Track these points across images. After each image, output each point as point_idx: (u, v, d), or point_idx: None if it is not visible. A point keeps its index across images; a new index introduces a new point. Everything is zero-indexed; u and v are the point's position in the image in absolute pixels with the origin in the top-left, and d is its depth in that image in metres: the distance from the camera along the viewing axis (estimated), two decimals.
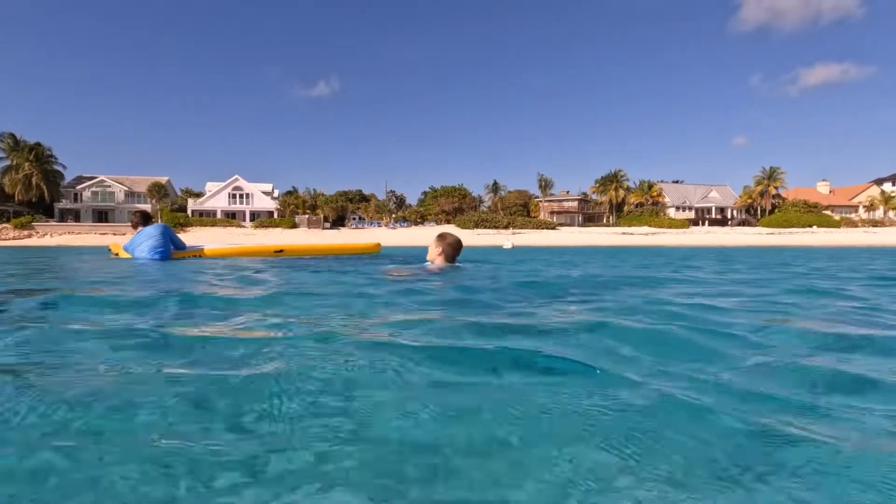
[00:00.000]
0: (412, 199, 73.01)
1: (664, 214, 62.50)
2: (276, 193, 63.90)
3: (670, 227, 54.53)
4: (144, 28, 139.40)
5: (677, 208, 64.94)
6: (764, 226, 56.25)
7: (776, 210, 61.64)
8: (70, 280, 3.83)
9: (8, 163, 51.00)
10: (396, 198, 70.74)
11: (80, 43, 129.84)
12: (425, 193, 71.68)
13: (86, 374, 1.09)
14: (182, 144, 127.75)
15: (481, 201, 69.34)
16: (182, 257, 6.10)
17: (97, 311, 2.01)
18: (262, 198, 59.36)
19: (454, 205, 62.27)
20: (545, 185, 71.38)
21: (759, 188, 62.32)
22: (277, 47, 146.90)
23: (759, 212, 63.00)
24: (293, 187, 69.97)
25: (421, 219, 61.74)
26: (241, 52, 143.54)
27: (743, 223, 61.22)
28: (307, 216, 56.01)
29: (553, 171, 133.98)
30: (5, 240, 41.80)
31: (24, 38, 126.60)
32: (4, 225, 45.64)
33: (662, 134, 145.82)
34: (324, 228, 53.12)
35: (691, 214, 64.78)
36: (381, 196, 69.89)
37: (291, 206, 60.04)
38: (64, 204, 54.73)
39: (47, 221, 48.69)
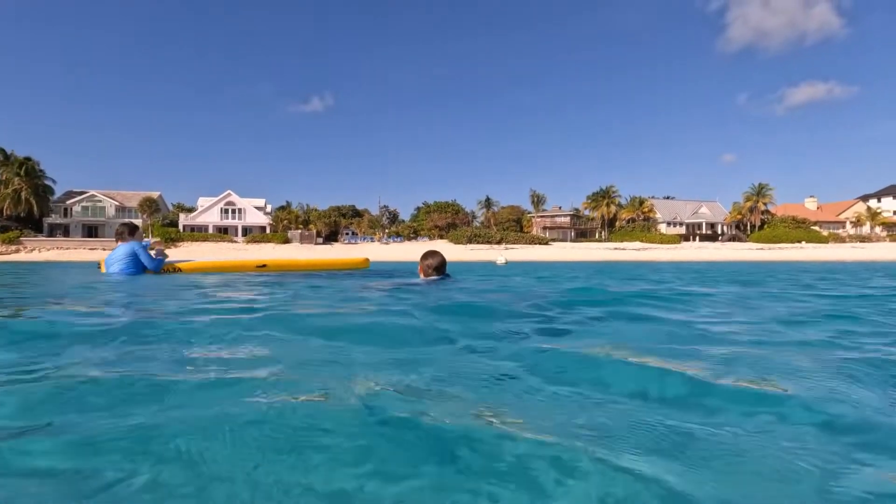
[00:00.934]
0: (405, 215, 73.19)
1: (655, 230, 63.04)
2: (268, 209, 63.75)
3: (662, 243, 54.98)
4: (136, 42, 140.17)
5: (668, 224, 65.57)
6: (754, 241, 56.90)
7: (765, 226, 62.44)
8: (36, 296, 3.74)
9: None
10: (390, 213, 70.84)
11: (71, 55, 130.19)
12: (418, 209, 71.89)
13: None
14: (174, 159, 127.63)
15: (474, 217, 69.62)
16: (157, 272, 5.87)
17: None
18: (254, 213, 59.17)
19: (447, 220, 62.44)
20: (538, 201, 71.89)
21: (749, 204, 63.20)
22: (271, 63, 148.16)
23: (748, 227, 63.77)
24: (286, 202, 69.91)
25: (414, 234, 61.77)
26: (234, 67, 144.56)
27: (733, 239, 61.87)
28: (300, 231, 55.84)
29: (545, 187, 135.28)
30: None
31: (15, 48, 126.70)
32: None
33: (653, 151, 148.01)
34: (316, 244, 52.93)
35: (682, 230, 65.40)
36: (375, 211, 70.01)
37: (284, 222, 59.86)
38: (53, 219, 54.17)
39: (35, 236, 48.11)
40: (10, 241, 44.83)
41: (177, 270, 6.01)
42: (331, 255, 31.39)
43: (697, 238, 63.58)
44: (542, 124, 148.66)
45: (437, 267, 4.65)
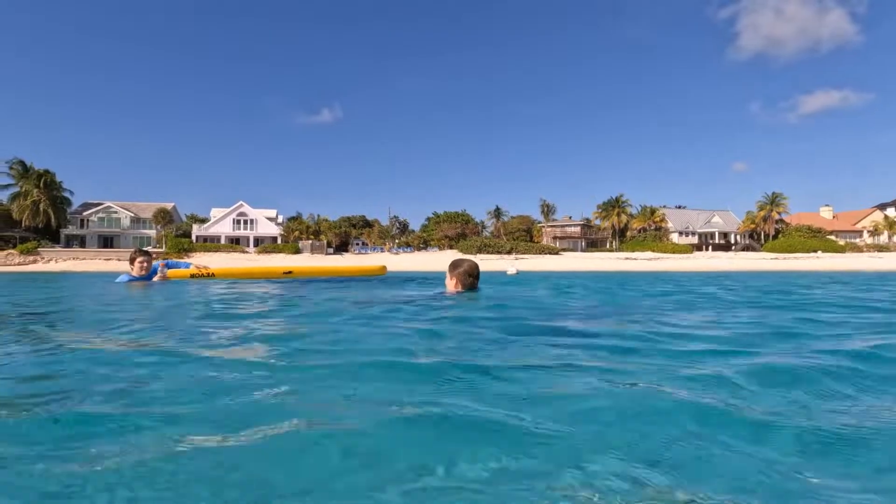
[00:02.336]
0: (415, 225, 73.41)
1: (667, 240, 62.48)
2: (280, 219, 64.37)
3: (674, 253, 54.42)
4: (150, 54, 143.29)
5: (680, 233, 64.97)
6: (768, 251, 56.08)
7: (780, 235, 61.58)
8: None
9: (17, 189, 51.73)
10: (399, 223, 71.12)
11: (88, 69, 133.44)
12: (428, 219, 72.10)
13: None
14: (188, 171, 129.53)
15: (484, 227, 69.61)
16: (190, 277, 6.27)
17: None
18: (266, 223, 59.76)
19: (457, 230, 62.50)
20: (547, 211, 71.78)
21: (762, 213, 62.44)
22: (280, 74, 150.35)
23: (762, 237, 62.96)
24: (297, 213, 70.55)
25: (424, 244, 61.89)
26: (244, 78, 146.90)
27: (747, 248, 61.09)
28: (310, 242, 56.22)
29: (555, 197, 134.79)
30: (10, 265, 42.01)
31: (34, 61, 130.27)
32: (10, 251, 45.99)
33: (663, 160, 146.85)
34: (327, 254, 53.22)
35: (694, 240, 64.75)
36: (385, 222, 70.32)
37: (295, 232, 60.37)
38: (70, 230, 55.17)
39: (53, 247, 49.00)
40: (29, 252, 45.72)
41: (211, 275, 6.53)
42: (345, 265, 31.55)
43: (710, 248, 62.88)
44: (551, 134, 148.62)
45: (475, 275, 4.20)
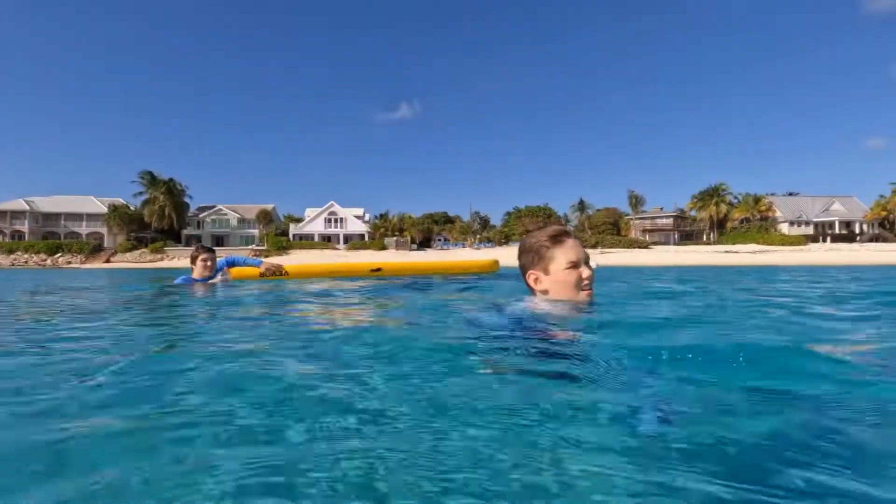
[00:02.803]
0: (496, 220, 73.23)
1: (775, 230, 56.52)
2: (367, 217, 67.49)
3: (783, 244, 49.08)
4: (253, 69, 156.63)
5: (791, 223, 58.44)
6: None
7: None
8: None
9: (146, 196, 59.31)
10: (481, 219, 71.35)
11: (210, 87, 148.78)
12: (509, 214, 71.58)
13: None
14: (286, 173, 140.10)
15: (567, 220, 67.69)
16: (259, 277, 5.36)
17: None
18: (354, 222, 62.98)
19: (538, 225, 61.41)
20: (636, 202, 68.07)
21: None
22: (363, 73, 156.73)
23: None
24: (386, 210, 73.55)
25: (505, 239, 61.60)
26: (331, 80, 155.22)
27: (876, 238, 53.41)
28: (395, 238, 58.34)
29: (644, 187, 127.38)
30: (144, 262, 48.42)
31: (165, 82, 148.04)
32: (143, 250, 53.06)
33: (772, 140, 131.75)
34: (410, 250, 54.91)
35: (809, 230, 57.89)
36: (466, 217, 70.93)
37: (381, 230, 62.99)
38: (189, 230, 62.19)
39: (175, 246, 55.61)
40: (157, 251, 52.40)
41: (285, 274, 5.65)
42: (430, 261, 32.19)
43: (829, 239, 55.84)
44: (640, 123, 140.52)
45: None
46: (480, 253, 42.49)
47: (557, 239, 1.88)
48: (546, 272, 1.89)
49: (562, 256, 1.86)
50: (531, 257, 1.93)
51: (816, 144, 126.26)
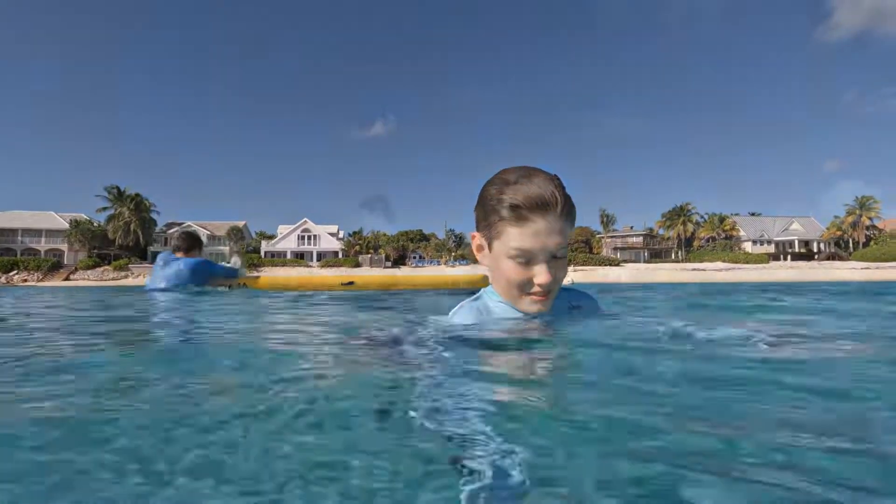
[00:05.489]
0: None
1: (739, 249, 58.70)
2: (341, 234, 66.96)
3: (746, 262, 50.95)
4: (222, 94, 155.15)
5: (754, 242, 60.80)
6: (857, 259, 51.15)
7: (872, 242, 56.07)
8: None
9: (112, 212, 57.41)
10: (455, 237, 71.69)
11: (182, 111, 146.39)
12: None
13: None
14: (257, 190, 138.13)
15: None
16: (221, 286, 5.09)
17: None
18: (328, 239, 62.37)
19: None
20: (607, 221, 69.69)
21: (850, 219, 57.30)
22: (336, 91, 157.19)
23: (850, 245, 57.62)
24: (360, 228, 73.11)
25: None
26: (304, 97, 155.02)
27: (831, 258, 56.04)
28: (370, 255, 57.96)
29: (615, 207, 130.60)
30: (106, 280, 46.64)
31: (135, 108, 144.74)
32: (106, 267, 51.14)
33: (734, 162, 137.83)
34: (385, 267, 54.58)
35: (771, 248, 60.33)
36: (441, 235, 71.16)
37: (355, 247, 62.53)
38: (156, 247, 60.31)
39: (140, 263, 53.80)
40: (121, 268, 50.57)
41: (244, 286, 5.45)
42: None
43: (789, 257, 58.25)
44: (610, 142, 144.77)
45: None
46: (468, 269, 42.57)
47: (519, 212, 1.10)
48: (489, 246, 1.18)
49: (514, 237, 1.11)
50: (481, 211, 1.19)
51: (776, 166, 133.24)
